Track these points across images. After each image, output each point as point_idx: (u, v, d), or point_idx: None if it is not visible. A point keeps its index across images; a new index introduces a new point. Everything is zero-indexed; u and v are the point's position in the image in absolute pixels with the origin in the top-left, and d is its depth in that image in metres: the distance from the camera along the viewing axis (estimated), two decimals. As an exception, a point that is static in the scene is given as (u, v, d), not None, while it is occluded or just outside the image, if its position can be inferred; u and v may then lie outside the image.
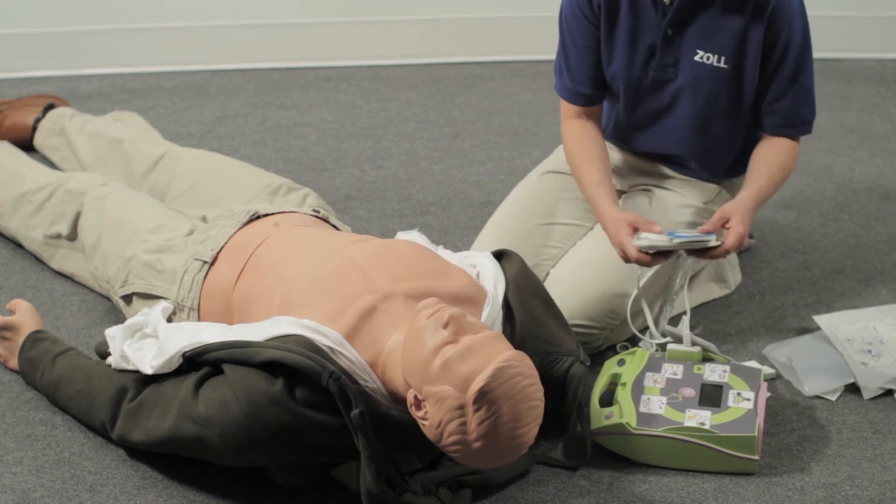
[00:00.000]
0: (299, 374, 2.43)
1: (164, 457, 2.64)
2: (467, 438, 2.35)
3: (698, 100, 2.90)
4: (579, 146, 2.96)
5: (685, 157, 3.01)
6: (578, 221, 3.07)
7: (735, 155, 3.01)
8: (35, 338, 2.81)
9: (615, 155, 3.11)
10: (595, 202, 2.88)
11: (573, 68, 2.95)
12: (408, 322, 2.48)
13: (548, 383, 2.59)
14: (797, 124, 2.92)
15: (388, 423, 2.47)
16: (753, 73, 2.86)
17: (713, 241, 2.73)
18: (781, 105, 2.89)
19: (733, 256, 3.21)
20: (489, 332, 2.39)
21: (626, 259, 2.79)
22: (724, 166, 3.02)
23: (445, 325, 2.37)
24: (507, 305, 2.63)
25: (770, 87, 2.88)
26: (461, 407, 2.34)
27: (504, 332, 2.61)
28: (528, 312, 2.63)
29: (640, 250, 2.75)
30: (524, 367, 2.36)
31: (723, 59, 2.84)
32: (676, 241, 2.73)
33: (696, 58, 2.85)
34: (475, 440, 2.35)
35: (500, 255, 2.73)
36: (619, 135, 3.04)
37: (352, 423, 2.41)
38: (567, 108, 3.00)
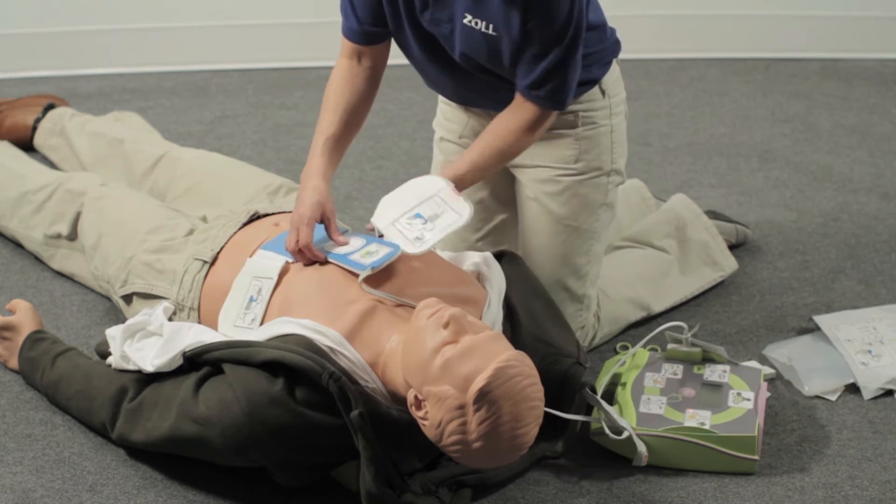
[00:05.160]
0: (299, 374, 2.43)
1: (164, 457, 2.64)
2: (467, 438, 2.35)
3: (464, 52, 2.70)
4: (334, 91, 2.77)
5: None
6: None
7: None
8: (35, 338, 2.81)
9: (460, 115, 2.95)
10: (311, 155, 2.70)
11: (356, 4, 2.77)
12: (408, 322, 2.48)
13: (547, 384, 2.60)
14: (547, 96, 2.69)
15: (388, 424, 2.47)
16: (513, 46, 2.65)
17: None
18: (536, 71, 2.68)
19: (720, 240, 3.19)
20: (490, 332, 2.39)
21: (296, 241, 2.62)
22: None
23: (446, 325, 2.37)
24: (507, 306, 2.63)
25: (523, 58, 2.67)
26: (461, 407, 2.34)
27: (504, 332, 2.61)
28: (528, 313, 2.63)
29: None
30: (525, 368, 2.35)
31: (491, 26, 2.65)
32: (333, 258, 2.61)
33: (465, 21, 2.67)
34: (475, 440, 2.35)
35: (500, 256, 2.73)
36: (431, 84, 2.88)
37: (352, 424, 2.41)
38: (343, 46, 2.82)
